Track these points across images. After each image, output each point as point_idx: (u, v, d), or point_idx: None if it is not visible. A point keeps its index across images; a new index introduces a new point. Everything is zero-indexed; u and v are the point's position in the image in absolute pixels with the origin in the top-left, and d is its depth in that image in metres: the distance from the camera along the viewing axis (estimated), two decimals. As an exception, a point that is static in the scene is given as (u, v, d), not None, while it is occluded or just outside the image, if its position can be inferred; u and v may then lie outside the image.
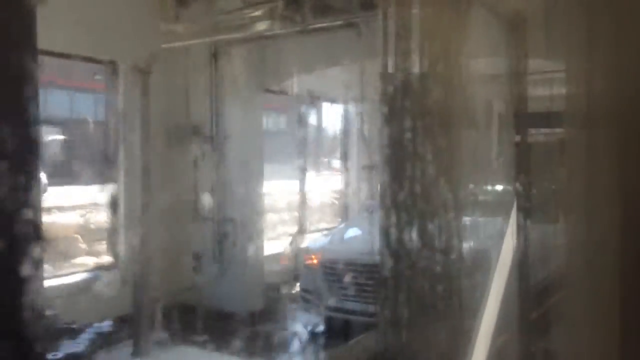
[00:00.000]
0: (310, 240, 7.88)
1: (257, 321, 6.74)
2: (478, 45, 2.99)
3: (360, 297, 6.05)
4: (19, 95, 1.28)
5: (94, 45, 6.08)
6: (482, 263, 3.58)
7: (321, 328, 6.38)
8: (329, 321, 6.38)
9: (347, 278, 6.18)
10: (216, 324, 6.40)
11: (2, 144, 1.29)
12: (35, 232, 1.38)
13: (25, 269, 1.34)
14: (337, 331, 6.26)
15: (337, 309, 6.23)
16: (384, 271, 2.69)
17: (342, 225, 8.81)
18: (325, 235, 8.06)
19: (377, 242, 6.16)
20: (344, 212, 9.94)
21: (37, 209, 1.39)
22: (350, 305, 6.13)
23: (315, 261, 6.58)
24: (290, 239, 8.18)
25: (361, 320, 5.88)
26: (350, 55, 6.84)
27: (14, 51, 1.31)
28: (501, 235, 3.62)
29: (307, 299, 6.57)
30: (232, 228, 7.08)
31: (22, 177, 1.29)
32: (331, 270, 6.34)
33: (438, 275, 2.76)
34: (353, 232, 7.54)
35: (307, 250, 7.01)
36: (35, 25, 1.39)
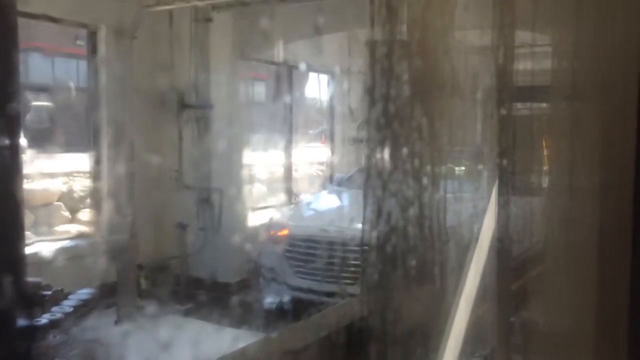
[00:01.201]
0: (273, 214, 7.57)
1: (234, 292, 6.69)
2: (465, 16, 2.96)
3: (320, 275, 5.79)
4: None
5: (75, 8, 5.95)
6: (465, 234, 3.61)
7: (283, 306, 6.06)
8: (290, 300, 6.04)
9: (304, 256, 5.91)
10: (197, 293, 6.44)
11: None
12: (16, 196, 1.36)
13: (6, 234, 1.32)
14: (298, 311, 5.85)
15: (297, 288, 5.94)
16: (367, 242, 2.70)
17: (303, 199, 8.48)
18: (288, 209, 7.80)
19: (338, 218, 6.10)
20: (311, 185, 9.83)
21: (18, 173, 1.37)
22: (310, 284, 5.85)
23: (275, 236, 6.31)
24: (275, 209, 8.17)
25: (322, 300, 5.54)
26: (338, 23, 6.76)
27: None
28: (483, 208, 3.65)
29: (268, 276, 6.30)
30: (216, 197, 7.06)
31: (3, 141, 1.27)
32: (290, 247, 6.09)
33: (422, 247, 2.79)
34: (316, 206, 7.23)
35: (267, 226, 6.72)
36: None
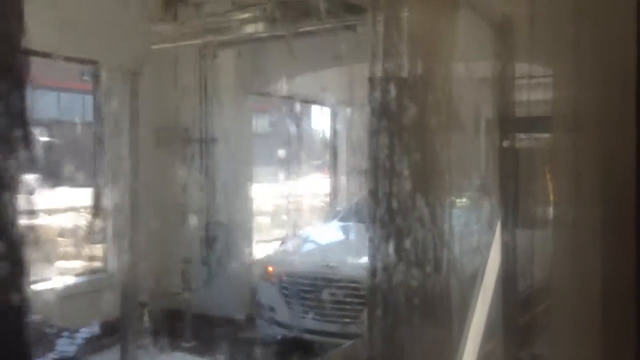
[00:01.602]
0: (271, 249, 7.33)
1: (239, 328, 6.56)
2: (466, 49, 3.01)
3: (319, 314, 5.51)
4: (8, 96, 1.27)
5: (82, 46, 6.05)
6: (471, 270, 3.59)
7: (282, 346, 5.76)
8: (286, 341, 5.75)
9: (303, 293, 5.62)
10: (203, 330, 6.37)
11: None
12: (24, 235, 1.37)
13: (13, 273, 1.32)
14: (296, 352, 5.64)
15: (294, 327, 5.65)
16: (372, 280, 2.69)
17: (302, 234, 8.10)
18: (283, 244, 7.45)
19: (340, 253, 5.90)
20: (314, 217, 9.74)
21: (27, 212, 1.38)
22: (307, 323, 5.55)
23: (271, 273, 6.02)
24: (279, 243, 8.12)
25: (321, 341, 5.39)
26: (339, 58, 6.85)
27: (2, 52, 1.30)
28: (488, 242, 3.64)
29: (265, 315, 6.03)
30: (221, 232, 7.05)
31: (12, 179, 1.28)
32: (287, 284, 5.80)
33: (428, 284, 2.77)
34: (314, 241, 6.95)
35: (264, 261, 6.46)
36: (23, 25, 1.38)
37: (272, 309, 5.88)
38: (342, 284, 5.37)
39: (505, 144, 3.44)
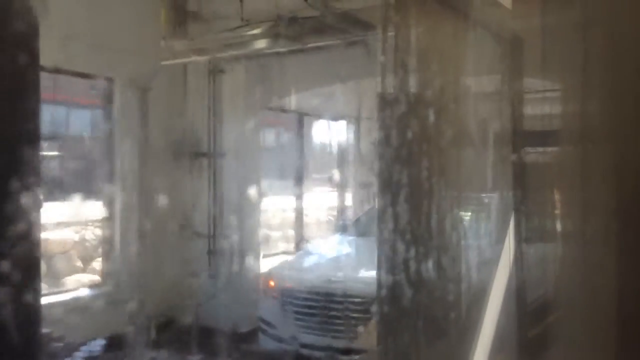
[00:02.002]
0: (274, 263, 7.24)
1: (245, 342, 6.52)
2: (476, 65, 3.02)
3: (323, 329, 5.40)
4: (22, 111, 1.29)
5: (92, 62, 6.11)
6: (480, 284, 3.57)
7: None
8: (287, 356, 5.63)
9: (304, 308, 5.52)
10: (208, 343, 6.34)
11: (3, 159, 1.29)
12: (34, 250, 1.38)
13: (24, 287, 1.33)
14: None
15: (296, 342, 5.53)
16: (380, 292, 2.68)
17: (307, 248, 8.09)
18: (288, 259, 7.38)
19: (342, 268, 5.85)
20: (321, 230, 9.71)
21: (36, 226, 1.38)
22: (309, 338, 5.45)
23: (272, 288, 5.93)
24: (282, 256, 8.12)
25: (322, 357, 5.31)
26: (349, 74, 6.89)
27: (17, 67, 1.31)
28: (497, 255, 3.62)
29: (265, 330, 5.92)
30: (227, 245, 7.06)
31: (21, 194, 1.29)
32: (287, 299, 5.69)
33: (438, 300, 2.76)
34: (317, 255, 6.86)
35: (266, 275, 6.37)
36: (38, 41, 1.39)
37: (272, 324, 5.81)
38: (343, 299, 5.31)
39: (515, 157, 3.44)
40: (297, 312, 5.59)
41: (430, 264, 2.67)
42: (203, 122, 7.13)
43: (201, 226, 7.12)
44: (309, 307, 5.52)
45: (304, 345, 5.45)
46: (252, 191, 7.47)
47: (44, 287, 6.14)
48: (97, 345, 4.99)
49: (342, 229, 7.47)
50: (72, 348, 4.88)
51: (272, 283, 6.00)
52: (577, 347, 2.06)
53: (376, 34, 3.46)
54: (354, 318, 5.27)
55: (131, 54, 6.28)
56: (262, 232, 8.27)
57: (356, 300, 5.24)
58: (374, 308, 5.06)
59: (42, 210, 1.47)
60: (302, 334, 5.51)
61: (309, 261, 6.70)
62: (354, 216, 8.36)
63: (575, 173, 2.19)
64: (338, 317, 5.32)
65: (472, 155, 3.28)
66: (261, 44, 6.01)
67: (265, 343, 5.86)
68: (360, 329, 5.19)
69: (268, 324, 5.86)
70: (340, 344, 5.24)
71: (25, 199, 1.35)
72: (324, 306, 5.40)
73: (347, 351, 5.13)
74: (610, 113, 1.86)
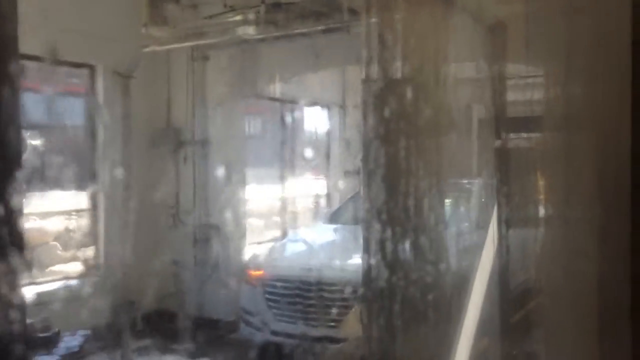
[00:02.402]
0: (255, 252, 7.15)
1: (231, 330, 6.51)
2: (459, 50, 3.02)
3: (302, 318, 5.38)
4: (1, 100, 1.27)
5: (73, 49, 6.02)
6: (464, 269, 3.61)
7: (265, 351, 5.62)
8: (268, 345, 5.59)
9: (284, 297, 5.49)
10: (193, 332, 6.34)
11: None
12: (16, 239, 1.36)
13: (6, 277, 1.32)
14: (277, 356, 5.53)
15: (276, 332, 5.51)
16: (366, 280, 2.69)
17: (288, 237, 8.04)
18: (269, 247, 7.29)
19: (323, 256, 5.85)
20: (306, 218, 9.70)
21: (18, 216, 1.37)
22: (289, 327, 5.42)
23: (253, 277, 5.89)
24: (271, 245, 8.10)
25: (302, 345, 5.25)
26: (332, 60, 6.87)
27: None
28: (481, 241, 3.66)
29: (248, 320, 5.87)
30: (213, 234, 7.04)
31: (2, 183, 1.28)
32: (268, 288, 5.64)
33: (420, 284, 2.78)
34: (300, 244, 6.78)
35: (247, 265, 6.32)
36: (16, 28, 1.37)
37: (253, 313, 5.76)
38: (322, 287, 5.29)
39: (498, 143, 3.46)
40: (276, 301, 5.55)
41: (414, 249, 2.69)
42: (186, 109, 7.07)
43: (186, 215, 7.09)
44: (288, 295, 5.49)
45: (284, 334, 5.43)
46: (237, 179, 7.45)
47: (28, 277, 6.08)
48: (82, 335, 4.97)
49: (323, 217, 7.43)
50: (56, 339, 4.86)
51: (251, 272, 5.97)
52: (559, 331, 2.09)
53: (359, 19, 3.45)
54: (333, 306, 5.27)
55: (113, 41, 6.20)
56: (248, 220, 8.26)
57: (335, 288, 5.25)
58: (353, 296, 5.06)
59: (25, 199, 1.45)
60: (282, 322, 5.49)
61: (288, 250, 6.65)
62: (336, 204, 8.36)
63: (558, 158, 2.20)
64: (317, 306, 5.31)
65: (455, 141, 3.30)
66: (244, 30, 5.96)
67: (247, 332, 5.82)
68: (340, 317, 5.18)
69: (248, 312, 5.82)
70: (320, 332, 5.23)
71: (7, 188, 1.34)
72: (302, 295, 5.37)
73: (327, 339, 5.12)
74: (593, 98, 1.88)
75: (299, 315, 5.41)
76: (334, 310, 5.25)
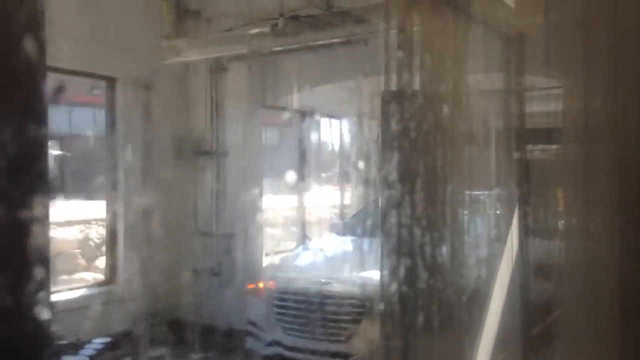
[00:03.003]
0: (261, 264, 7.08)
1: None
2: (479, 62, 3.02)
3: (309, 332, 5.21)
4: (29, 111, 1.30)
5: (95, 61, 6.13)
6: (482, 281, 3.59)
7: None
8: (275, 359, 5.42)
9: (292, 310, 5.35)
10: (211, 341, 6.35)
11: (12, 159, 1.30)
12: (42, 248, 1.39)
13: (33, 286, 1.34)
14: None
15: (281, 345, 5.36)
16: (385, 292, 2.69)
17: (299, 248, 7.82)
18: (276, 259, 7.22)
19: (333, 268, 5.73)
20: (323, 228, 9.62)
21: (44, 225, 1.40)
22: (296, 341, 5.27)
23: (261, 289, 5.78)
24: (279, 256, 8.06)
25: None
26: (350, 72, 6.90)
27: (24, 67, 1.32)
28: (500, 252, 3.63)
29: (252, 332, 5.71)
30: (231, 243, 7.07)
31: (30, 193, 1.31)
32: (276, 301, 5.50)
33: (441, 295, 2.77)
34: (307, 256, 6.66)
35: (254, 276, 6.25)
36: (45, 39, 1.41)
37: (259, 326, 5.63)
38: (332, 301, 5.17)
39: (518, 155, 3.45)
40: (282, 314, 5.43)
41: (433, 260, 2.68)
42: (205, 120, 7.14)
43: (204, 224, 7.14)
44: (295, 308, 5.38)
45: (290, 348, 5.30)
46: (255, 189, 7.48)
47: (51, 285, 6.15)
48: (101, 343, 5.02)
49: (334, 229, 7.28)
50: (77, 346, 4.91)
51: (260, 284, 5.87)
52: (579, 342, 2.07)
53: (378, 32, 3.46)
54: (341, 320, 5.15)
55: (133, 53, 6.29)
56: (265, 230, 8.28)
57: (344, 301, 5.13)
58: (362, 310, 4.98)
59: (49, 208, 1.48)
60: (288, 336, 5.35)
61: (297, 261, 6.50)
62: (347, 215, 8.29)
63: (578, 170, 2.19)
64: (325, 320, 5.17)
65: (475, 153, 3.29)
66: (263, 42, 6.02)
67: (253, 345, 5.69)
68: (348, 331, 5.06)
69: (255, 325, 5.69)
70: (328, 347, 5.11)
71: (33, 197, 1.36)
72: (310, 308, 5.26)
73: (335, 355, 5.01)
74: (612, 110, 1.87)
75: (304, 329, 5.27)
76: (341, 325, 5.13)
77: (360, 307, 5.03)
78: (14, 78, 1.31)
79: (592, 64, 2.09)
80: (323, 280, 5.34)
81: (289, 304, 5.42)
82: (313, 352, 5.18)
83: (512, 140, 3.56)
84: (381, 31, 2.73)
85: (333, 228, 7.42)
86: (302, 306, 5.32)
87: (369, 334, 4.81)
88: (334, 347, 5.10)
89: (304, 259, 6.58)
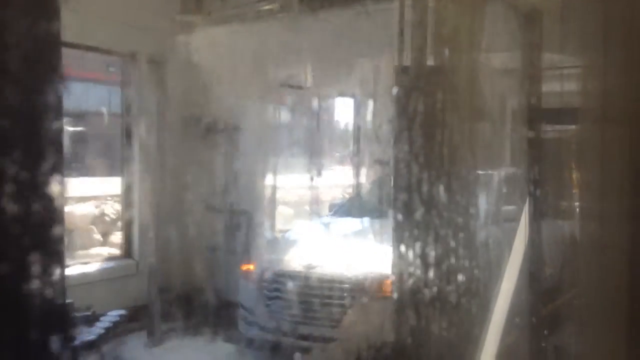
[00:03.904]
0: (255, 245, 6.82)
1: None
2: (493, 39, 2.98)
3: (300, 317, 5.02)
4: (46, 88, 1.31)
5: (109, 37, 6.13)
6: (494, 262, 3.58)
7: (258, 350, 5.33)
8: (264, 344, 5.25)
9: (282, 294, 5.17)
10: (226, 317, 6.42)
11: (28, 135, 1.32)
12: (58, 223, 1.42)
13: (49, 259, 1.37)
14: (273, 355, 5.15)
15: (272, 330, 5.17)
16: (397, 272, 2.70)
17: (292, 230, 7.53)
18: (270, 240, 6.93)
19: (325, 251, 5.52)
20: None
21: (60, 200, 1.42)
22: (288, 326, 5.07)
23: (251, 272, 5.58)
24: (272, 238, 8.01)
25: (300, 345, 4.95)
26: (364, 48, 6.83)
27: (39, 44, 1.33)
28: (512, 233, 3.62)
29: (244, 317, 5.55)
30: (244, 221, 7.12)
31: (47, 168, 1.32)
32: (265, 284, 5.32)
33: (451, 276, 2.77)
34: (300, 238, 6.33)
35: (246, 258, 6.03)
36: (59, 18, 1.41)
37: (250, 310, 5.47)
38: (322, 285, 4.99)
39: (532, 134, 3.42)
40: (273, 298, 5.26)
41: (444, 242, 2.68)
42: (219, 97, 7.14)
43: (218, 201, 7.18)
44: (286, 292, 5.20)
45: (281, 333, 5.11)
46: (267, 167, 7.50)
47: (67, 259, 6.25)
48: (116, 315, 5.11)
49: (334, 210, 7.01)
50: (92, 318, 5.00)
51: (251, 266, 5.68)
52: (589, 324, 2.07)
53: (393, 6, 3.42)
54: (330, 304, 4.98)
55: (147, 29, 6.28)
56: (278, 208, 8.32)
57: (334, 286, 4.97)
58: (354, 294, 4.82)
59: (65, 185, 1.50)
60: (277, 320, 5.17)
61: (290, 243, 6.19)
62: (345, 196, 8.13)
63: (592, 151, 2.17)
64: (315, 304, 4.99)
65: (488, 131, 3.27)
66: (277, 17, 5.98)
67: (244, 329, 5.54)
68: (339, 316, 4.91)
69: (246, 309, 5.54)
70: (319, 332, 4.95)
71: (49, 174, 1.38)
72: (301, 292, 5.07)
73: (327, 339, 4.86)
74: (628, 90, 1.84)
75: (295, 313, 5.08)
76: (331, 309, 4.96)
77: (350, 291, 4.87)
78: (30, 54, 1.32)
79: (610, 41, 2.05)
80: (312, 263, 5.14)
81: (278, 286, 5.24)
82: (303, 337, 5.00)
83: (528, 119, 3.52)
84: (396, 6, 2.70)
85: (331, 209, 7.20)
86: (291, 289, 5.14)
87: (358, 318, 4.70)
88: (323, 332, 4.93)
89: (295, 240, 6.25)
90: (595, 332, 2.02)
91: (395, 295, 2.83)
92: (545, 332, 3.38)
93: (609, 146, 2.06)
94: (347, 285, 4.93)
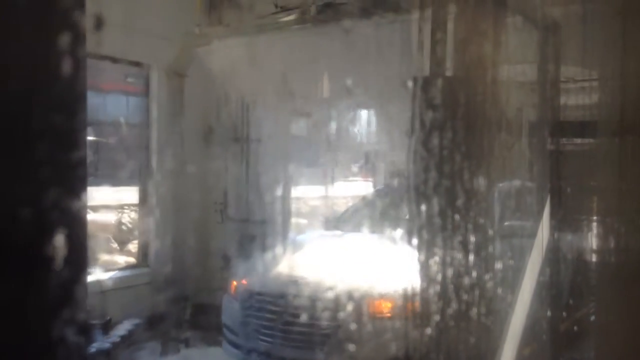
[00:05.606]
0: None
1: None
2: (513, 52, 2.98)
3: (282, 338, 4.64)
4: (70, 99, 1.34)
5: (130, 48, 6.22)
6: (512, 272, 3.56)
7: None
8: None
9: (264, 313, 4.76)
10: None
11: (53, 146, 1.35)
12: (80, 231, 1.44)
13: (72, 267, 1.39)
14: None
15: (258, 353, 4.79)
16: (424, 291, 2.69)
17: (286, 242, 6.81)
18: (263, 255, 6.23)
19: (313, 267, 4.84)
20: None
21: (82, 209, 1.44)
22: (270, 348, 4.69)
23: (234, 288, 5.21)
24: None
25: None
26: (382, 59, 6.84)
27: (64, 55, 1.36)
28: (530, 244, 3.60)
29: (228, 337, 5.18)
30: (260, 230, 7.14)
31: (72, 177, 1.35)
32: (248, 302, 4.92)
33: (469, 286, 2.76)
34: (288, 252, 5.77)
35: (232, 274, 5.57)
36: (84, 29, 1.44)
37: (233, 330, 5.09)
38: (306, 304, 4.57)
39: (552, 146, 3.40)
40: (256, 317, 4.84)
41: (464, 251, 2.67)
42: (238, 108, 7.20)
43: (235, 211, 7.22)
44: (269, 311, 4.78)
45: (264, 355, 4.77)
46: (284, 177, 7.52)
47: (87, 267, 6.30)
48: (132, 324, 5.14)
49: (329, 223, 6.56)
50: (108, 326, 5.04)
51: (234, 283, 5.30)
52: (610, 337, 2.05)
53: (411, 18, 3.44)
54: (314, 326, 4.54)
55: (167, 40, 6.36)
56: (293, 219, 8.32)
57: (320, 304, 4.52)
58: (341, 315, 4.42)
59: (87, 193, 1.52)
60: (262, 342, 4.79)
61: (277, 259, 5.66)
62: (342, 209, 7.87)
63: (611, 162, 2.15)
64: (299, 325, 4.56)
65: (508, 143, 3.26)
66: (295, 29, 6.03)
67: (227, 351, 5.18)
68: (321, 338, 4.53)
69: (228, 328, 5.17)
70: (306, 355, 4.59)
71: (72, 183, 1.40)
72: (284, 311, 4.65)
73: None
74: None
75: (279, 335, 4.70)
76: (314, 330, 4.56)
77: (337, 312, 4.46)
78: (54, 64, 1.35)
79: (628, 54, 2.05)
80: (298, 280, 4.70)
81: (260, 305, 4.84)
82: None
83: (547, 131, 3.51)
84: (414, 17, 2.71)
85: (324, 222, 6.76)
86: (273, 308, 4.73)
87: (346, 341, 4.34)
88: (309, 356, 4.57)
89: (283, 255, 5.71)
90: (613, 346, 2.00)
91: (418, 310, 2.80)
92: (564, 345, 3.35)
93: (628, 158, 2.05)
94: (332, 305, 4.49)
